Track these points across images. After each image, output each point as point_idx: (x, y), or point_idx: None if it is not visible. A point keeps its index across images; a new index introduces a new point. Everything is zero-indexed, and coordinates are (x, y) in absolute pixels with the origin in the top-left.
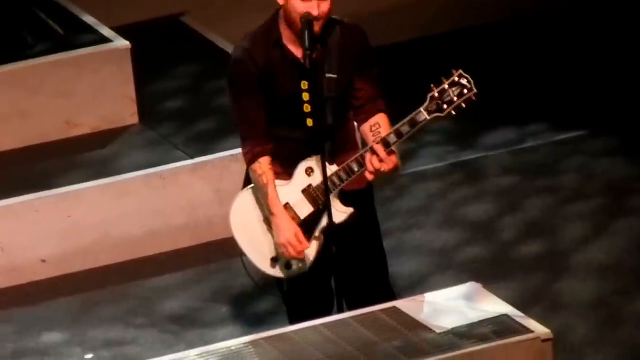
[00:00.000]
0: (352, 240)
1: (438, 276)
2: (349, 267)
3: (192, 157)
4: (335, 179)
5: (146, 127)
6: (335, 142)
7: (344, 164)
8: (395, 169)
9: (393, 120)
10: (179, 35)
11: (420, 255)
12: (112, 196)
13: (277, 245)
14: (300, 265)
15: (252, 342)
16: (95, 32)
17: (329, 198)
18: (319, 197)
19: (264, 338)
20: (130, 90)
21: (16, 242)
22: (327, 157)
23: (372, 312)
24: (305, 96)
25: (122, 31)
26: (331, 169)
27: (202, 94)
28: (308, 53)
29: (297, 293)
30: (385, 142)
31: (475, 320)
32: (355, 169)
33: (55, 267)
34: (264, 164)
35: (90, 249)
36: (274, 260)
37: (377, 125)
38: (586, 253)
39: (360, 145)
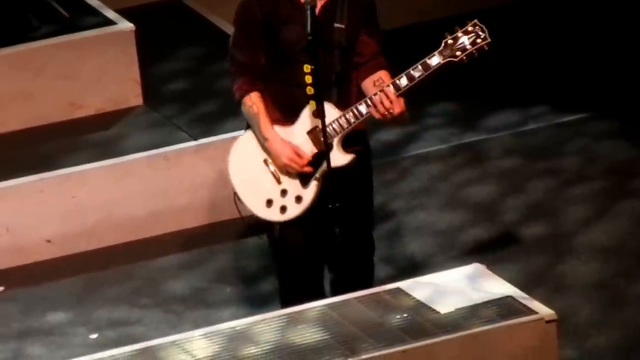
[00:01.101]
0: (347, 191)
1: (441, 258)
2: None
3: (195, 139)
4: (343, 121)
5: (150, 108)
6: (341, 91)
7: (352, 107)
8: (402, 114)
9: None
10: (182, 17)
11: (423, 236)
12: (117, 177)
13: (280, 169)
14: (296, 207)
15: (256, 323)
16: (100, 14)
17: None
18: (324, 140)
19: (268, 318)
20: (134, 72)
21: (21, 222)
22: (333, 102)
23: (376, 292)
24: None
25: (126, 14)
26: (338, 112)
27: (206, 76)
28: (310, 39)
29: (288, 239)
30: (395, 85)
31: (479, 301)
32: (364, 112)
33: (60, 248)
34: (254, 97)
35: (95, 230)
36: (270, 203)
37: (380, 80)
38: (589, 235)
39: None
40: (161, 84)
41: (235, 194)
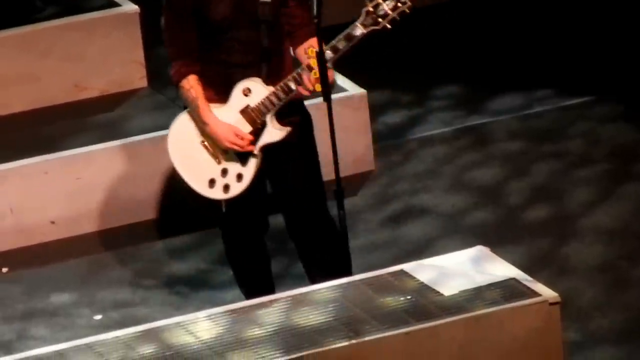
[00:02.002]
0: (288, 162)
1: (446, 240)
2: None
3: None
4: (273, 98)
5: (155, 90)
6: (271, 66)
7: (281, 83)
8: (331, 85)
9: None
10: None
11: (427, 219)
12: (121, 159)
13: (224, 150)
14: (238, 185)
15: (260, 305)
16: None
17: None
18: (257, 117)
19: (271, 300)
20: (139, 54)
21: (26, 203)
22: (263, 77)
23: (381, 275)
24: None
25: None
26: (268, 89)
27: None
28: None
29: (233, 216)
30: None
31: (483, 284)
32: (293, 87)
33: (65, 229)
34: (191, 80)
35: (99, 211)
36: (212, 182)
37: (311, 48)
38: (593, 218)
39: None
40: (166, 66)
41: (178, 174)
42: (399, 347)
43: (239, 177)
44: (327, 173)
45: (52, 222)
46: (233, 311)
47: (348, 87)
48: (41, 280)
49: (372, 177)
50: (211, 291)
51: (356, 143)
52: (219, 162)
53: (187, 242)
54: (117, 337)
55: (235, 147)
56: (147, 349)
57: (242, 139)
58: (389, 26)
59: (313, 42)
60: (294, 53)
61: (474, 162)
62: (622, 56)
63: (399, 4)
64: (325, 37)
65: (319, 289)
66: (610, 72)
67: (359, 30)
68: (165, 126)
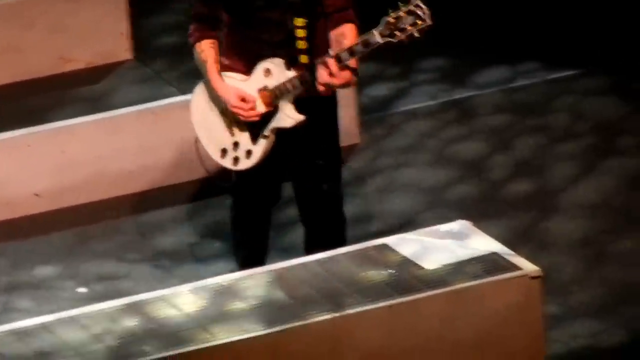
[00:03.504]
0: (307, 147)
1: (428, 214)
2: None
3: (185, 94)
4: (289, 85)
5: (140, 63)
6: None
7: (299, 73)
8: (347, 84)
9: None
10: None
11: (410, 193)
12: (106, 131)
13: (233, 120)
14: (246, 161)
15: (243, 278)
16: None
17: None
18: (272, 100)
19: (254, 274)
20: (124, 26)
21: (10, 176)
22: (290, 58)
23: (363, 248)
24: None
25: None
26: (288, 74)
27: None
28: None
29: (243, 186)
30: (338, 58)
31: (465, 257)
32: (309, 80)
33: (49, 202)
34: (204, 44)
35: (84, 184)
36: (224, 152)
37: (342, 36)
38: (576, 192)
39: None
40: (151, 39)
41: (196, 138)
42: (381, 321)
43: (248, 153)
44: None
45: (37, 195)
46: (216, 285)
47: None
48: (25, 253)
49: (357, 150)
50: (195, 265)
51: (341, 115)
52: (232, 135)
53: (171, 215)
54: (101, 309)
55: (239, 111)
56: (131, 322)
57: (246, 102)
58: (405, 40)
59: (346, 28)
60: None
61: (458, 135)
62: (608, 30)
63: (419, 22)
64: None
65: (302, 263)
66: (596, 46)
67: (375, 39)
68: (150, 98)
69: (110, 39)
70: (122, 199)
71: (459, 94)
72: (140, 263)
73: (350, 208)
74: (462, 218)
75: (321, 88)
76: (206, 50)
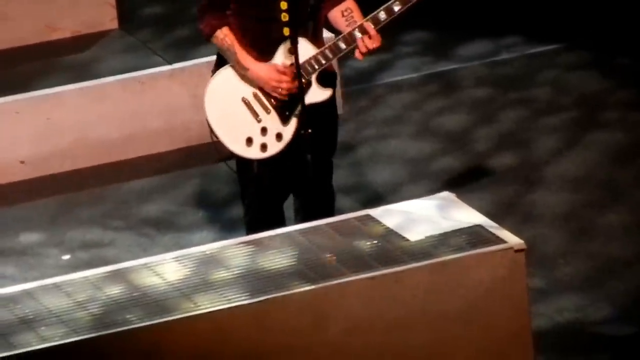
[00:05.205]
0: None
1: (412, 186)
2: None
3: (170, 63)
4: (321, 57)
5: (126, 32)
6: (317, 24)
7: (330, 43)
8: (379, 47)
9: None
10: None
11: (394, 164)
12: (91, 100)
13: (269, 91)
14: (277, 144)
15: (227, 247)
16: None
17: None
18: (303, 76)
19: (239, 243)
20: None
21: None
22: (309, 36)
23: (346, 219)
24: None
25: None
26: (315, 48)
27: (182, 0)
28: None
29: (266, 177)
30: (375, 20)
31: (448, 229)
32: (343, 47)
33: (34, 169)
34: (224, 30)
35: (69, 152)
36: (250, 141)
37: (349, 10)
38: (559, 165)
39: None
40: (137, 8)
41: (211, 132)
42: (364, 292)
43: (279, 136)
44: None
45: (22, 162)
46: (200, 253)
47: None
48: (10, 220)
49: (340, 122)
50: (179, 233)
51: None
52: (259, 121)
53: (156, 184)
54: (85, 277)
55: (282, 85)
56: (115, 290)
57: (284, 73)
58: None
59: (349, 3)
60: (327, 16)
61: (442, 108)
62: (591, 4)
63: None
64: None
65: (286, 233)
66: (578, 20)
67: (397, 6)
68: (136, 68)
69: (96, 8)
70: (107, 166)
71: (443, 67)
72: (124, 231)
73: (334, 179)
74: (446, 190)
75: (360, 56)
76: (228, 34)
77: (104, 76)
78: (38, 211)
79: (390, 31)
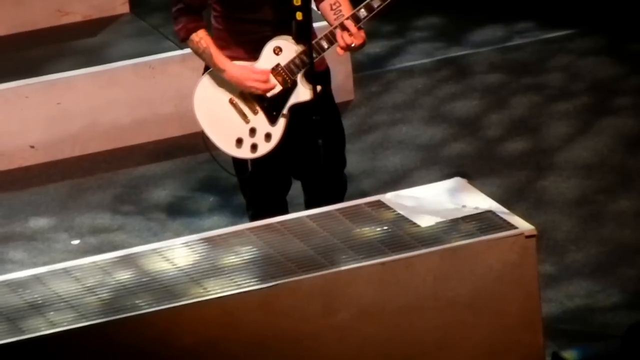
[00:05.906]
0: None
1: (423, 171)
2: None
3: (181, 48)
4: (304, 57)
5: (137, 16)
6: (300, 23)
7: (313, 42)
8: (363, 44)
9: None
10: None
11: (406, 150)
12: (102, 84)
13: (246, 92)
14: (266, 144)
15: (237, 232)
16: None
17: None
18: (288, 76)
19: (249, 228)
20: None
21: (5, 127)
22: (293, 35)
23: (357, 205)
24: None
25: None
26: (299, 48)
27: None
28: None
29: (261, 175)
30: (355, 18)
31: (459, 215)
32: (326, 46)
33: (44, 154)
34: (200, 33)
35: (79, 136)
36: (239, 142)
37: (337, 4)
38: (571, 151)
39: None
40: None
41: (203, 135)
42: (374, 278)
43: (268, 136)
44: None
45: (32, 147)
46: (210, 239)
47: None
48: (20, 205)
49: (351, 107)
50: (189, 218)
51: (336, 72)
52: (247, 122)
53: (166, 169)
54: (94, 262)
55: (257, 85)
56: (124, 275)
57: (261, 73)
58: None
59: None
60: (317, 8)
61: (454, 93)
62: None
63: None
64: None
65: (297, 218)
66: (592, 5)
67: (376, 3)
68: (147, 52)
69: None
70: (117, 151)
71: (455, 52)
72: (134, 216)
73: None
74: (457, 175)
75: (341, 52)
76: (204, 37)
77: (114, 61)
78: (48, 196)
79: (402, 16)
